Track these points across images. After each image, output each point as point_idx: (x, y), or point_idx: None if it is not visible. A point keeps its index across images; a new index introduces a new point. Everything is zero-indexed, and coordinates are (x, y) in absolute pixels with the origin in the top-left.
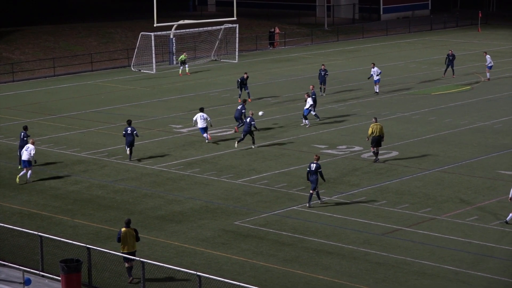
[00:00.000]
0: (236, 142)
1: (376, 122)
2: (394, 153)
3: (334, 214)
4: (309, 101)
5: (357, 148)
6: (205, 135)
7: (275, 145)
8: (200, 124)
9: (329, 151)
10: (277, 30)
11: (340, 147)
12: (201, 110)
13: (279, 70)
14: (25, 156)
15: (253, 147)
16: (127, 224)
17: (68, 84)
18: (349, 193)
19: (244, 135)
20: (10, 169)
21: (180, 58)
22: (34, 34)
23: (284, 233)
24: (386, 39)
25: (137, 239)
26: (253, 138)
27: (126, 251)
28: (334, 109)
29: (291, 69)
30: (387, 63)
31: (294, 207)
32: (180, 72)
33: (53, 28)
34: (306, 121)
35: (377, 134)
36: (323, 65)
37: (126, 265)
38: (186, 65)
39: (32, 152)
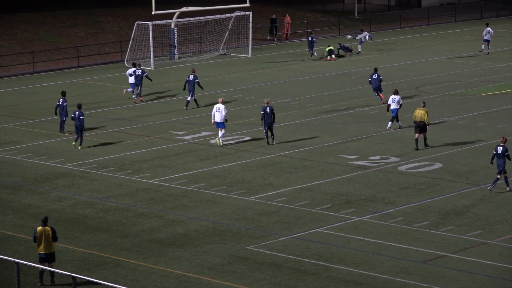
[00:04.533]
0: None
1: (422, 107)
2: (437, 165)
3: (365, 238)
4: (396, 99)
5: (393, 159)
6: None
7: (295, 155)
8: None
9: (360, 162)
10: (287, 19)
11: (372, 157)
12: (133, 65)
13: (300, 66)
14: (218, 117)
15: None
16: (44, 222)
17: (50, 83)
18: (383, 212)
19: None
20: None
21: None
22: (9, 23)
23: (306, 260)
24: (427, 29)
25: (55, 239)
26: None
27: (42, 252)
28: (366, 112)
29: (315, 65)
30: (428, 58)
31: (318, 229)
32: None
33: (33, 16)
34: (390, 123)
35: (418, 119)
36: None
37: (40, 268)
38: (333, 55)
39: (224, 112)
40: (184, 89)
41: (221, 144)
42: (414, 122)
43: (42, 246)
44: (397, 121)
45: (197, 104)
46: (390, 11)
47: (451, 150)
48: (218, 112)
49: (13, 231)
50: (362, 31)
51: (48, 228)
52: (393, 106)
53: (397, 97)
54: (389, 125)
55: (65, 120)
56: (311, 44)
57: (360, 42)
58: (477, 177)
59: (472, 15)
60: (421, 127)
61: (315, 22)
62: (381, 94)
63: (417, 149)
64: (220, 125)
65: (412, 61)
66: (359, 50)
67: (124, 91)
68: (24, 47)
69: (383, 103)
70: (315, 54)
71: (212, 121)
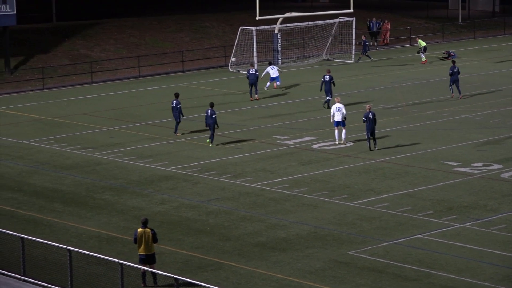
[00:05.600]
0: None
1: None
2: None
3: (467, 245)
4: None
5: (496, 166)
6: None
7: (397, 161)
8: (272, 73)
9: (462, 169)
10: (387, 25)
11: (475, 164)
12: (269, 64)
13: (403, 72)
14: (338, 116)
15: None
16: (144, 224)
17: (156, 87)
18: (486, 219)
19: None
20: (87, 185)
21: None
22: (116, 28)
23: (407, 266)
24: None
25: (155, 240)
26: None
27: (143, 253)
28: (469, 119)
29: (418, 71)
30: None
31: (420, 236)
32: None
33: (139, 21)
34: None
35: None
36: None
37: (142, 269)
38: (422, 54)
39: (344, 111)
40: (321, 90)
41: (344, 143)
42: None
43: (142, 248)
44: None
45: (327, 105)
46: (494, 17)
47: None
48: (339, 112)
49: (118, 233)
50: None
51: (148, 229)
52: None
53: None
54: None
55: (179, 121)
56: (365, 48)
57: None
58: None
59: None
60: None
61: (418, 28)
62: (460, 96)
63: None
64: (341, 123)
65: None
66: None
67: (274, 85)
68: (130, 51)
69: (452, 96)
70: (372, 58)
71: (332, 120)
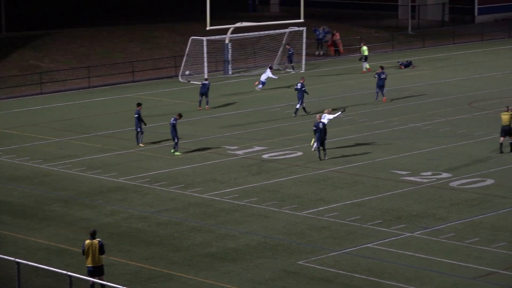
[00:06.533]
0: None
1: (506, 111)
2: (489, 181)
3: (416, 254)
4: None
5: (444, 175)
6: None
7: (347, 170)
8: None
9: (411, 178)
10: (337, 36)
11: (424, 173)
12: (270, 68)
13: (354, 82)
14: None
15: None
16: (92, 235)
17: (105, 98)
18: (434, 228)
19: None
20: (36, 196)
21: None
22: (66, 38)
23: (357, 275)
24: (481, 45)
25: (102, 252)
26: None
27: (90, 265)
28: (418, 128)
29: (367, 80)
30: (482, 74)
31: (369, 245)
32: (364, 69)
33: (89, 32)
34: None
35: (505, 123)
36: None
37: (91, 281)
38: (365, 63)
39: (330, 117)
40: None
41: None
42: (501, 126)
43: (89, 259)
44: None
45: (306, 111)
46: (443, 27)
47: (504, 166)
48: (323, 119)
49: (67, 244)
50: None
51: (95, 241)
52: None
53: None
54: None
55: (139, 131)
56: (290, 57)
57: None
58: None
59: None
60: (506, 131)
61: (368, 38)
62: (384, 98)
63: (501, 152)
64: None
65: (465, 77)
66: None
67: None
68: (80, 62)
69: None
70: (294, 70)
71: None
